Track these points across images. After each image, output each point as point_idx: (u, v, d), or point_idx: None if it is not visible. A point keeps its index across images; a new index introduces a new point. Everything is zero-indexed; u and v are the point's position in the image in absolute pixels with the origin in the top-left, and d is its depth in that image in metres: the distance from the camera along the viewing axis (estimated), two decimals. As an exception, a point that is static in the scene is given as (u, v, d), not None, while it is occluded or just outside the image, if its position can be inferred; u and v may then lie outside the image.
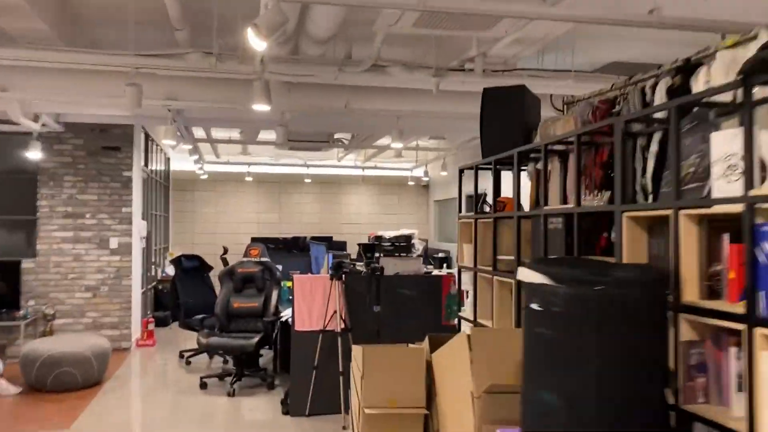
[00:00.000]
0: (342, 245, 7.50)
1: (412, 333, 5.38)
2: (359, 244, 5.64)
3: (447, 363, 3.13)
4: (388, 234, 5.83)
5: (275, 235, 12.28)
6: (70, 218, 7.81)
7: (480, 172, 3.92)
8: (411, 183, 13.55)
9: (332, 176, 13.60)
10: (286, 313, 5.50)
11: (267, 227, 13.26)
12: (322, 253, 7.17)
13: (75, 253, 7.81)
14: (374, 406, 3.26)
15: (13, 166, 7.82)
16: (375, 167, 13.28)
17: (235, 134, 10.46)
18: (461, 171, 4.07)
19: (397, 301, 5.38)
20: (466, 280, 4.04)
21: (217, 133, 10.28)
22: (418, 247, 5.86)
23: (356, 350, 3.54)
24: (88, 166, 7.87)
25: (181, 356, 7.50)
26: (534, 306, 1.94)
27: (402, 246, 5.81)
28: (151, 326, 8.44)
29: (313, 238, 11.00)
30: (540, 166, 3.66)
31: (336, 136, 10.38)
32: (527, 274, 2.00)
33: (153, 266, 10.55)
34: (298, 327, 5.23)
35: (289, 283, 6.70)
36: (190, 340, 8.59)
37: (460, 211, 4.06)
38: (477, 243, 3.72)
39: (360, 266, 5.67)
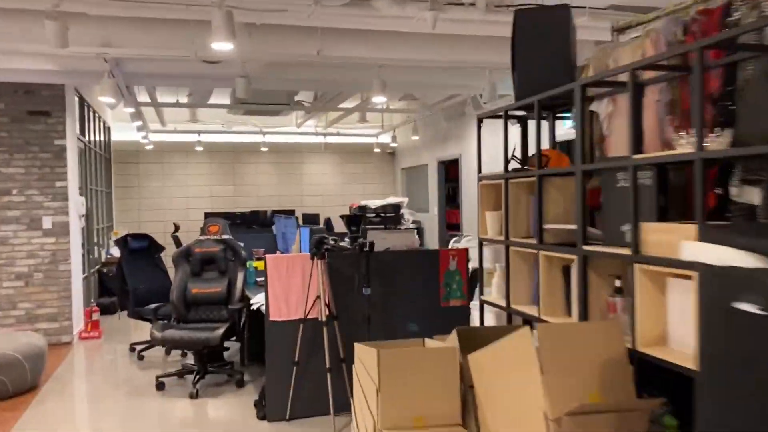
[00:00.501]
0: (314, 218, 6.66)
1: (407, 317, 4.62)
2: (343, 216, 4.81)
3: (496, 368, 2.36)
4: (374, 203, 5.02)
5: (231, 210, 11.29)
6: (-8, 195, 6.70)
7: (488, 123, 3.14)
8: (377, 150, 12.69)
9: (291, 144, 12.63)
10: (257, 300, 4.66)
11: (221, 201, 12.24)
12: (292, 229, 6.30)
13: (1, 236, 6.72)
14: (397, 427, 2.47)
15: None
16: (338, 134, 12.37)
17: (182, 98, 9.38)
18: (480, 120, 3.27)
19: (388, 281, 4.59)
20: (489, 255, 3.28)
21: (163, 97, 9.19)
22: (408, 217, 5.06)
23: (364, 352, 2.74)
24: (13, 134, 6.74)
25: (132, 350, 6.57)
26: (749, 307, 1.17)
27: (390, 217, 5.01)
28: (95, 316, 7.44)
29: (275, 212, 10.07)
30: (602, 106, 2.90)
31: (297, 98, 9.43)
32: (710, 251, 1.24)
33: (96, 247, 9.47)
34: (273, 316, 4.39)
35: (256, 264, 5.83)
36: (142, 329, 7.65)
37: (479, 171, 3.27)
38: (508, 209, 2.95)
39: (344, 243, 4.85)
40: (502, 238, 3.08)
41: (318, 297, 4.34)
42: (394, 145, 11.98)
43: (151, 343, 6.43)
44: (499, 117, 3.33)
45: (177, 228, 9.52)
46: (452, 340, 2.75)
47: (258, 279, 5.75)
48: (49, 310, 6.87)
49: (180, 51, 4.85)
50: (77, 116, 7.61)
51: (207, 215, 10.72)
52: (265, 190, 12.57)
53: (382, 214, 4.96)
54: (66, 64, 5.30)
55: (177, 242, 9.16)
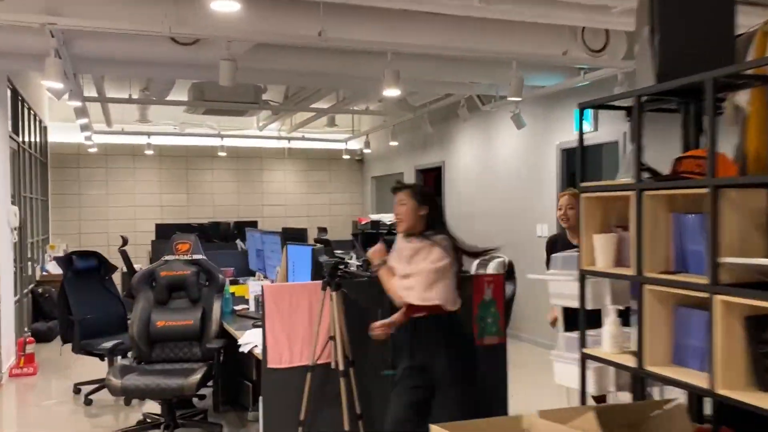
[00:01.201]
0: (300, 234, 5.70)
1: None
2: (356, 234, 3.90)
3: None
4: (389, 218, 4.12)
5: (184, 221, 10.12)
6: None
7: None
8: (346, 157, 11.77)
9: (251, 149, 11.56)
10: (246, 341, 3.69)
11: (173, 211, 11.03)
12: (273, 246, 5.32)
13: None
14: None
15: None
16: (303, 138, 11.40)
17: (134, 94, 8.25)
18: (583, 108, 2.43)
19: (414, 314, 3.70)
20: (592, 292, 2.45)
21: (112, 92, 8.05)
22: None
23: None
24: (-73, 129, 5.53)
25: (77, 391, 5.44)
26: None
27: (407, 234, 4.11)
28: (30, 348, 6.24)
29: (240, 224, 9.00)
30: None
31: (264, 96, 8.44)
32: None
33: (29, 263, 8.21)
34: (273, 363, 3.42)
35: (233, 289, 4.84)
36: (86, 363, 6.44)
37: (582, 180, 2.44)
38: (641, 233, 2.13)
39: (352, 265, 3.95)
40: (626, 270, 2.25)
41: (331, 338, 3.41)
42: (367, 151, 11.10)
43: (101, 385, 5.32)
44: (612, 108, 2.52)
45: (125, 242, 8.33)
46: (587, 421, 1.90)
47: (235, 308, 4.76)
48: (-29, 344, 5.66)
49: (147, 25, 3.85)
50: (9, 111, 6.43)
51: (158, 227, 9.55)
52: (222, 199, 11.46)
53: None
54: (-2, 40, 4.21)
55: (125, 258, 7.99)
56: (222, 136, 10.72)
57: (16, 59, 4.79)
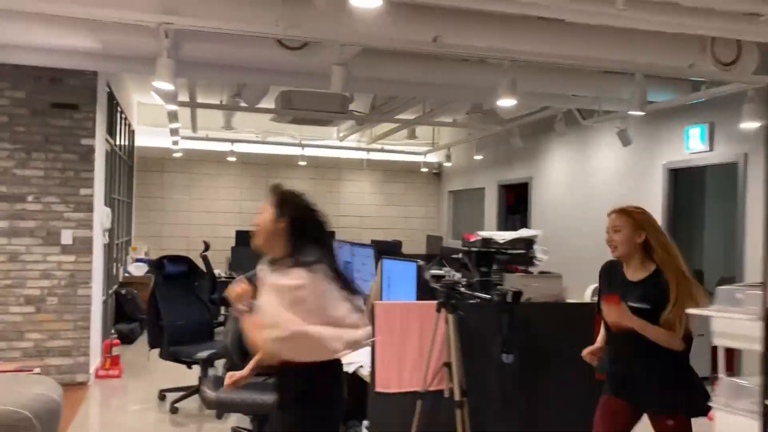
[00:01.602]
0: (394, 247, 5.47)
1: (554, 394, 3.44)
2: (468, 252, 3.65)
3: None
4: (500, 236, 3.85)
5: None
6: (5, 202, 5.55)
7: None
8: (424, 170, 11.54)
9: (330, 159, 11.50)
10: (349, 359, 3.49)
11: (251, 219, 11.06)
12: (364, 259, 5.13)
13: (11, 251, 5.56)
14: None
15: None
16: (382, 149, 11.25)
17: (224, 100, 8.28)
18: None
19: (530, 344, 3.41)
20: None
21: (202, 98, 8.09)
22: (541, 257, 3.89)
23: None
24: (32, 129, 5.61)
25: (162, 397, 5.38)
26: None
27: (520, 255, 3.84)
28: (116, 350, 6.25)
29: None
30: None
31: (351, 106, 8.31)
32: None
33: (114, 265, 8.31)
34: (381, 386, 3.21)
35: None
36: (170, 369, 6.38)
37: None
38: None
39: (462, 286, 3.69)
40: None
41: (446, 364, 3.16)
42: (447, 164, 10.84)
43: (187, 393, 5.23)
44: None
45: (207, 247, 8.35)
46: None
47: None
48: (62, 343, 5.69)
49: (260, 27, 3.73)
50: (106, 113, 6.51)
51: (239, 233, 9.56)
52: (299, 208, 11.42)
53: (511, 251, 3.80)
54: (107, 40, 4.18)
55: (207, 264, 8.01)
56: (303, 146, 10.69)
57: (122, 62, 4.78)
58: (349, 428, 4.46)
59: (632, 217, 2.68)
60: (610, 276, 2.85)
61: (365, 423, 3.26)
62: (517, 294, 3.18)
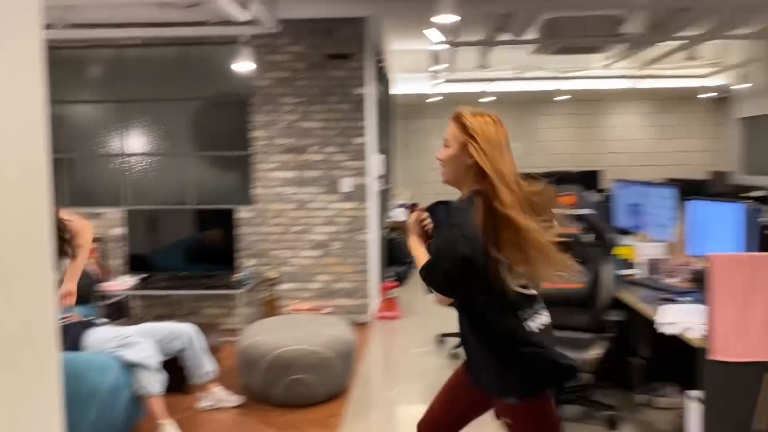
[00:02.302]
0: (700, 187, 4.73)
1: None
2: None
3: None
4: None
5: (526, 170, 9.70)
6: (291, 153, 5.92)
7: None
8: (704, 96, 10.05)
9: (591, 92, 10.57)
10: (669, 319, 3.00)
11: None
12: (661, 201, 4.46)
13: (299, 199, 5.95)
14: None
15: (221, 88, 6.07)
16: (654, 76, 9.99)
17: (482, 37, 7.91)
18: None
19: None
20: None
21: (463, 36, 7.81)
22: None
23: None
24: (311, 82, 5.86)
25: (440, 341, 5.39)
26: None
27: None
28: (393, 293, 6.45)
29: (581, 174, 8.23)
30: None
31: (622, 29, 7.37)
32: None
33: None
34: (718, 353, 2.67)
35: (624, 252, 4.15)
36: (445, 312, 6.40)
37: None
38: None
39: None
40: None
41: (811, 332, 2.51)
42: (737, 87, 9.26)
43: (466, 340, 5.15)
44: None
45: (469, 191, 8.25)
46: None
47: (623, 273, 4.07)
48: (346, 285, 6.00)
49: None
50: (374, 62, 6.57)
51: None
52: (557, 147, 10.77)
53: None
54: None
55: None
56: (563, 78, 9.93)
57: (390, 5, 4.65)
58: (654, 390, 3.97)
59: (463, 125, 2.06)
60: None
61: (696, 393, 2.77)
62: None
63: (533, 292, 2.09)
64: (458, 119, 2.10)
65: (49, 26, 5.32)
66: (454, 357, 5.02)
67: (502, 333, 2.03)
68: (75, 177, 6.15)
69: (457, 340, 5.18)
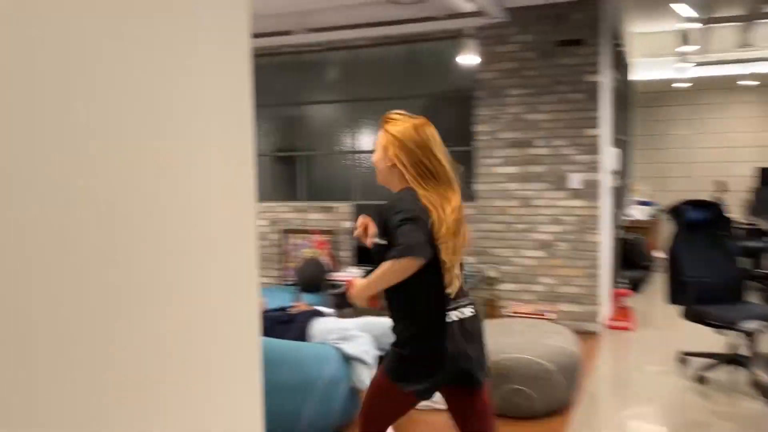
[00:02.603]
0: None
1: None
2: None
3: None
4: None
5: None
6: (515, 147, 5.65)
7: None
8: None
9: None
10: None
11: (770, 153, 9.19)
12: None
13: (523, 196, 5.66)
14: None
15: (446, 83, 6.00)
16: None
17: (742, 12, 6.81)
18: None
19: None
20: None
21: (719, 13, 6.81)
22: None
23: None
24: (540, 71, 5.52)
25: (682, 360, 4.72)
26: None
27: None
28: (626, 301, 5.86)
29: None
30: None
31: None
32: None
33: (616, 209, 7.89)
34: None
35: None
36: (688, 328, 5.60)
37: None
38: None
39: None
40: None
41: None
42: None
43: (717, 362, 4.45)
44: None
45: (724, 187, 7.18)
46: None
47: None
48: (572, 290, 5.57)
49: None
50: (610, 48, 6.00)
51: (764, 171, 8.00)
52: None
53: None
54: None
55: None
56: None
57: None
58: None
59: (385, 130, 2.24)
60: None
61: None
62: None
63: (460, 285, 2.16)
64: (381, 125, 2.26)
65: (288, 32, 5.72)
66: (701, 381, 4.35)
67: (424, 315, 2.13)
68: (312, 173, 6.56)
69: (705, 361, 4.50)
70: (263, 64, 6.61)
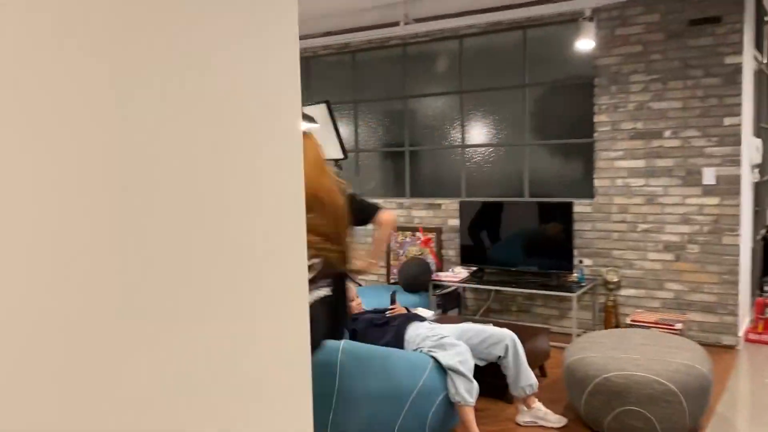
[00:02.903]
0: None
1: None
2: None
3: None
4: None
5: None
6: (639, 139, 5.13)
7: None
8: None
9: None
10: None
11: None
12: None
13: (648, 192, 5.13)
14: None
15: (562, 71, 5.57)
16: None
17: None
18: None
19: None
20: None
21: None
22: None
23: None
24: (668, 55, 4.96)
25: (840, 386, 4.05)
26: None
27: None
28: (769, 312, 5.16)
29: None
30: None
31: None
32: None
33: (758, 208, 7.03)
34: None
35: None
36: None
37: None
38: None
39: None
40: None
41: None
42: None
43: None
44: None
45: None
46: None
47: None
48: (705, 297, 4.97)
49: None
50: (754, 21, 5.29)
51: None
52: None
53: None
54: None
55: None
56: None
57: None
58: None
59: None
60: None
61: None
62: None
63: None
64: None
65: (394, 23, 5.54)
66: None
67: None
68: (419, 168, 6.36)
69: None
70: (370, 58, 6.48)
